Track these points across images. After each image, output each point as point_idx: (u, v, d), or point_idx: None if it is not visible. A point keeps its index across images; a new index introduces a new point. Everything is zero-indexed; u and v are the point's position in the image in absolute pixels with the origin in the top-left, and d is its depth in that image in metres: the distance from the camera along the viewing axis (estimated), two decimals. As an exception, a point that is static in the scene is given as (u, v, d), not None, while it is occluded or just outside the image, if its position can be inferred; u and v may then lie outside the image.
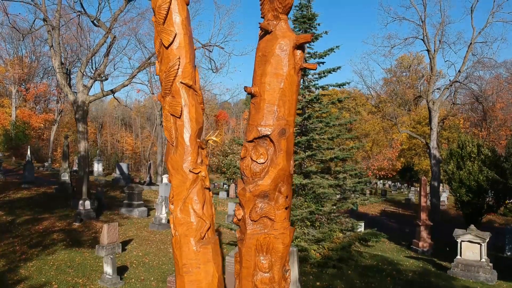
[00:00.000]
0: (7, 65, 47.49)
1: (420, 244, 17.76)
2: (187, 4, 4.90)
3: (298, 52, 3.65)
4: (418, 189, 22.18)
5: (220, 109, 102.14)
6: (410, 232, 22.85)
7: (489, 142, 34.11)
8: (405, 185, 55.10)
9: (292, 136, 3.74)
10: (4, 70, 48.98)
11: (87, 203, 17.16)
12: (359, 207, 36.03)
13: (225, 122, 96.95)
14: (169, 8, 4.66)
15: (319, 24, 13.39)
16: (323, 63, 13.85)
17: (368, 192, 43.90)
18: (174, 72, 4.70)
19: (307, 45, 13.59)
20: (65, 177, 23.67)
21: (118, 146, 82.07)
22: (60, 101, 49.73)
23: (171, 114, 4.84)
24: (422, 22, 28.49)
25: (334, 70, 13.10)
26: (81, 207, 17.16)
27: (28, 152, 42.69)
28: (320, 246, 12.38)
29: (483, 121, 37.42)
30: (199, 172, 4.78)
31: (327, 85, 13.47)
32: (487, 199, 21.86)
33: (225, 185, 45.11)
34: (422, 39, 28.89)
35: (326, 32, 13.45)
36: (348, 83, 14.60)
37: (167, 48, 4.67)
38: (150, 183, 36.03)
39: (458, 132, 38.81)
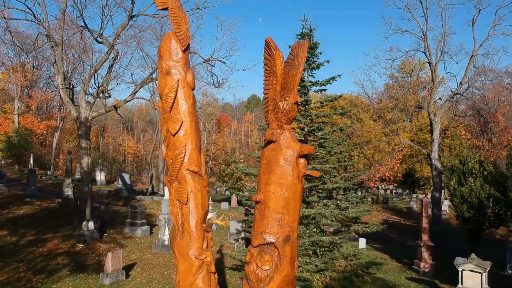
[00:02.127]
0: (10, 71, 47.67)
1: (422, 265, 17.86)
2: (193, 89, 5.02)
3: (302, 160, 3.76)
4: (420, 205, 22.24)
5: (222, 111, 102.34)
6: (411, 247, 22.94)
7: (490, 153, 34.16)
8: (407, 191, 55.20)
9: (296, 241, 3.85)
10: (6, 77, 49.17)
11: (91, 224, 17.30)
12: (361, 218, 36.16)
13: (227, 125, 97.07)
14: (175, 96, 4.77)
15: (320, 53, 13.50)
16: (325, 90, 13.96)
17: (370, 200, 44.03)
18: (181, 159, 4.80)
19: (309, 73, 13.71)
20: (69, 192, 23.82)
21: (120, 150, 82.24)
22: (62, 108, 49.89)
23: (178, 200, 4.94)
24: (423, 35, 28.54)
25: (336, 98, 13.19)
26: (84, 228, 17.31)
27: (31, 160, 42.98)
28: (323, 275, 12.50)
29: (484, 132, 37.44)
30: (204, 258, 4.89)
31: (329, 114, 13.57)
32: (488, 215, 21.91)
33: (226, 191, 44.98)
34: (423, 52, 28.97)
35: (327, 61, 13.53)
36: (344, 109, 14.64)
37: (173, 135, 4.78)
38: (152, 193, 36.21)
39: (459, 141, 38.94)
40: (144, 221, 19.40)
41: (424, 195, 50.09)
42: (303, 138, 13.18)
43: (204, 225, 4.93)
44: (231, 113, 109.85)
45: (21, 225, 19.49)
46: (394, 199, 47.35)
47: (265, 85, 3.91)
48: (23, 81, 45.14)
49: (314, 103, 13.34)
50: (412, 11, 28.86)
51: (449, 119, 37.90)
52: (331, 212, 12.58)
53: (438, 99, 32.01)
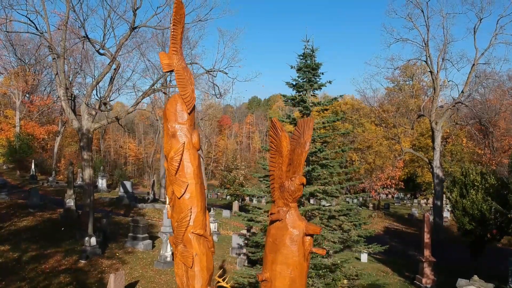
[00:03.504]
0: (11, 76, 47.68)
1: (424, 280, 17.86)
2: (198, 150, 5.02)
3: (308, 238, 3.76)
4: (422, 217, 22.23)
5: (223, 113, 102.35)
6: (413, 257, 22.92)
7: (491, 161, 34.12)
8: (408, 196, 55.16)
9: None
10: (8, 81, 49.19)
11: (93, 240, 17.33)
12: (362, 225, 36.18)
13: (228, 127, 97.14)
14: (181, 159, 4.77)
15: (322, 73, 13.49)
16: (326, 109, 13.94)
17: (371, 205, 44.04)
18: (186, 223, 4.80)
19: (311, 93, 13.69)
20: (71, 203, 23.86)
21: (121, 152, 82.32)
22: (64, 113, 49.91)
23: (183, 263, 4.94)
24: (425, 44, 28.50)
25: (338, 119, 13.18)
26: (87, 244, 17.33)
27: (33, 166, 43.02)
28: (325, 297, 12.51)
29: (485, 139, 37.41)
30: (211, 321, 4.89)
31: (331, 134, 13.56)
32: (490, 227, 21.87)
33: (227, 196, 44.75)
34: (425, 61, 28.91)
35: (330, 82, 13.54)
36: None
37: (179, 198, 4.78)
38: (154, 200, 36.24)
39: (461, 147, 38.88)
40: (146, 235, 19.42)
41: (425, 199, 50.14)
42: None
43: (209, 287, 4.93)
44: (232, 114, 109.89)
45: (23, 239, 19.52)
46: (395, 204, 47.35)
47: (270, 161, 3.91)
48: (24, 87, 45.17)
49: (316, 124, 13.33)
50: (413, 20, 28.86)
51: (450, 127, 37.87)
52: (334, 234, 12.58)
53: (440, 106, 31.95)
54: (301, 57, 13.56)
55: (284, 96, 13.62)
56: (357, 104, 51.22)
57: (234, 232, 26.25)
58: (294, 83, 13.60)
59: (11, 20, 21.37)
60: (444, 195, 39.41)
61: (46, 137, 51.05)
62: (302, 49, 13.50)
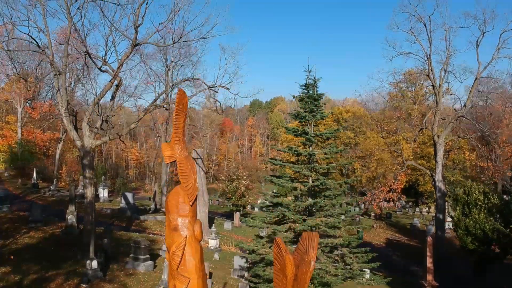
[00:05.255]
0: (13, 82, 47.69)
1: (426, 305, 17.80)
2: (200, 240, 4.97)
3: None
4: (427, 239, 22.14)
5: (224, 116, 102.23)
6: (415, 273, 22.92)
7: (494, 174, 34.01)
8: (410, 203, 55.03)
9: None
10: (10, 88, 49.19)
11: (94, 263, 17.30)
12: (364, 236, 36.10)
13: (230, 130, 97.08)
14: (183, 253, 4.72)
15: (324, 104, 13.42)
16: (328, 139, 13.88)
17: (372, 214, 43.94)
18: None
19: (312, 131, 13.65)
20: (72, 220, 23.86)
21: (123, 156, 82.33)
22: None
23: None
24: (427, 58, 28.39)
25: (340, 151, 13.12)
26: (88, 267, 17.30)
27: (34, 175, 42.99)
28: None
29: (488, 154, 37.31)
30: None
31: (334, 166, 13.51)
32: (493, 247, 21.82)
33: (229, 204, 44.28)
34: (427, 75, 28.77)
35: (332, 113, 13.47)
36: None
37: (181, 293, 4.72)
38: (156, 210, 36.20)
39: (463, 157, 38.76)
40: (147, 256, 19.39)
41: (427, 207, 50.00)
42: (306, 191, 13.13)
43: None
44: (233, 116, 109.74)
45: (24, 259, 19.49)
46: (397, 212, 47.23)
47: (275, 278, 3.83)
48: (26, 93, 45.20)
49: (318, 155, 13.28)
50: (416, 35, 28.73)
51: (453, 140, 37.72)
52: (336, 267, 12.52)
53: (442, 118, 31.83)
54: (303, 87, 13.51)
55: (287, 128, 13.62)
56: (358, 112, 51.08)
57: (237, 247, 26.16)
58: (296, 113, 13.57)
59: (12, 38, 21.30)
60: (446, 203, 39.39)
61: (48, 143, 51.12)
62: (304, 79, 13.46)
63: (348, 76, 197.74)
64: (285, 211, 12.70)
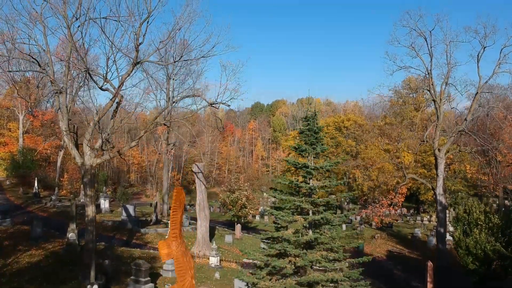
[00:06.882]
0: (16, 90, 47.72)
1: (426, 330, 17.80)
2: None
3: None
4: (426, 271, 22.07)
5: (225, 118, 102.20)
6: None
7: (495, 187, 33.98)
8: (411, 211, 55.02)
9: None
10: (11, 94, 49.23)
11: (95, 288, 17.32)
12: (364, 247, 36.06)
13: (231, 133, 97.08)
14: None
15: (325, 136, 13.43)
16: (329, 172, 13.89)
17: (373, 224, 43.90)
18: None
19: (313, 163, 13.65)
20: (73, 237, 23.93)
21: (124, 160, 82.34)
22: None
23: None
24: (428, 73, 28.33)
25: (340, 184, 13.12)
26: (89, 291, 17.34)
27: (36, 184, 43.05)
28: None
29: (490, 167, 37.29)
30: None
31: (334, 199, 13.52)
32: (493, 267, 21.77)
33: (229, 211, 43.87)
34: (428, 90, 28.74)
35: (333, 147, 13.48)
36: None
37: None
38: (157, 222, 36.20)
39: (464, 170, 38.76)
40: (148, 278, 19.43)
41: (429, 216, 49.96)
42: (307, 225, 13.14)
43: None
44: (235, 119, 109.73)
45: (26, 280, 19.55)
46: (398, 221, 47.17)
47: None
48: (27, 104, 45.29)
49: (318, 187, 13.31)
50: (416, 50, 28.67)
51: (453, 154, 37.68)
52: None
53: (443, 131, 31.83)
54: (304, 120, 13.55)
55: (288, 161, 13.65)
56: (360, 120, 51.03)
57: (238, 262, 26.16)
58: (297, 146, 13.61)
59: (13, 58, 21.34)
60: (448, 211, 39.35)
61: (49, 150, 51.21)
62: (305, 112, 13.44)
63: (349, 77, 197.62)
64: (286, 247, 12.72)
